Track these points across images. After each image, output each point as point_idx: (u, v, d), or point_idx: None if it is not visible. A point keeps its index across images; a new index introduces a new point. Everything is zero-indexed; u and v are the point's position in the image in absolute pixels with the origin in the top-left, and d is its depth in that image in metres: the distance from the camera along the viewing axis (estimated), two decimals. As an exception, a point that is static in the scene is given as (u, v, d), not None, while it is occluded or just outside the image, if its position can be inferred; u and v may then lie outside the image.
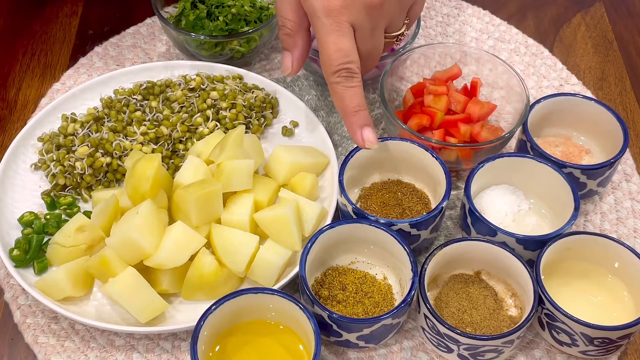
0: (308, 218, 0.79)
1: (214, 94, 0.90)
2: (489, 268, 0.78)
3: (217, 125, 0.89)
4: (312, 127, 0.91)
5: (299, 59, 0.80)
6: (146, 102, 0.91)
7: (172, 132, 0.87)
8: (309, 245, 0.74)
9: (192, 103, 0.90)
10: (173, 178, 0.82)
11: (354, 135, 0.77)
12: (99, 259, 0.74)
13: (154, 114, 0.89)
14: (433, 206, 0.83)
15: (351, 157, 0.81)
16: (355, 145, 0.83)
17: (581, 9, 1.13)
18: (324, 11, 0.73)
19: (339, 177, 0.79)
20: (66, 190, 0.85)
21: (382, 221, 0.76)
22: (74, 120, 0.89)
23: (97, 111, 0.90)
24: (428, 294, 0.73)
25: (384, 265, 0.79)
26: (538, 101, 0.87)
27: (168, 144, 0.87)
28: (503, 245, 0.75)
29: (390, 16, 0.77)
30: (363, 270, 0.78)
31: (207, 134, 0.87)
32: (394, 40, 0.80)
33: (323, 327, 0.71)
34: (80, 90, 0.92)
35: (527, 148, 0.85)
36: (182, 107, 0.90)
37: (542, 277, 0.73)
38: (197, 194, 0.75)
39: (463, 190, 0.81)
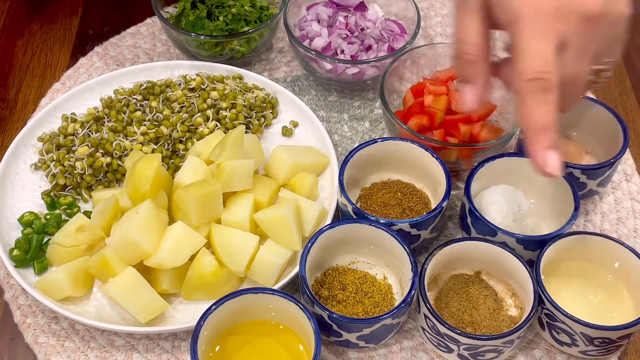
0: (308, 218, 0.79)
1: (214, 94, 0.90)
2: (489, 268, 0.78)
3: (217, 125, 0.89)
4: (312, 127, 0.91)
5: (482, 93, 0.68)
6: (146, 102, 0.91)
7: (172, 132, 0.87)
8: (309, 245, 0.74)
9: (192, 103, 0.90)
10: (173, 178, 0.82)
11: (534, 155, 0.64)
12: (99, 259, 0.74)
13: (154, 114, 0.89)
14: (433, 206, 0.83)
15: (351, 157, 0.81)
16: (356, 145, 0.83)
17: (581, 9, 1.13)
18: (533, 15, 0.62)
19: (339, 177, 0.79)
20: (66, 190, 0.85)
21: (382, 221, 0.76)
22: (74, 120, 0.89)
23: (97, 111, 0.90)
24: (428, 294, 0.73)
25: (384, 265, 0.79)
26: (538, 101, 0.87)
27: (168, 144, 0.87)
28: (503, 245, 0.75)
29: (602, 40, 0.65)
30: (363, 270, 0.78)
31: (207, 134, 0.87)
32: (596, 75, 0.68)
33: (323, 327, 0.71)
34: (80, 90, 0.92)
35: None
36: (182, 107, 0.90)
37: (542, 277, 0.73)
38: (197, 194, 0.75)
39: (463, 190, 0.81)
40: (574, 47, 0.64)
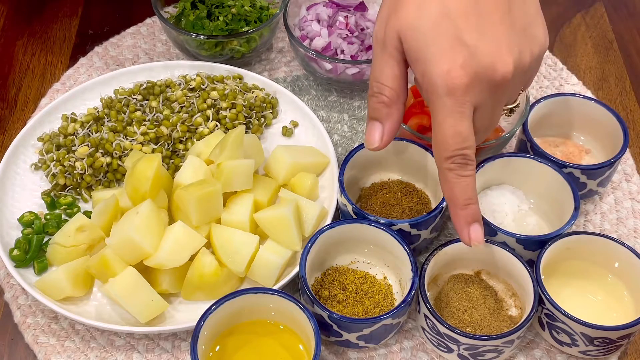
0: (308, 218, 0.79)
1: (214, 94, 0.90)
2: (489, 268, 0.78)
3: (217, 125, 0.89)
4: (312, 127, 0.91)
5: (391, 133, 0.71)
6: (146, 102, 0.91)
7: (172, 132, 0.87)
8: (309, 245, 0.74)
9: (192, 103, 0.90)
10: (173, 178, 0.82)
11: (460, 231, 0.69)
12: (99, 259, 0.74)
13: (154, 114, 0.89)
14: (433, 206, 0.83)
15: (351, 157, 0.81)
16: (356, 145, 0.83)
17: (581, 9, 1.13)
18: (447, 89, 0.63)
19: (339, 177, 0.79)
20: (66, 190, 0.85)
21: (382, 221, 0.76)
22: (74, 120, 0.89)
23: (97, 111, 0.90)
24: (428, 294, 0.73)
25: (384, 265, 0.79)
26: (538, 101, 0.87)
27: (168, 144, 0.87)
28: (503, 245, 0.75)
29: (513, 92, 0.68)
30: (363, 270, 0.78)
31: (207, 134, 0.87)
32: (507, 112, 0.71)
33: (323, 327, 0.71)
34: (80, 90, 0.92)
35: (527, 148, 0.85)
36: (182, 107, 0.90)
37: (542, 277, 0.73)
38: (197, 194, 0.75)
39: (463, 190, 0.81)
40: (486, 109, 0.66)
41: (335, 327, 0.71)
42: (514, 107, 0.71)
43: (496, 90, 0.65)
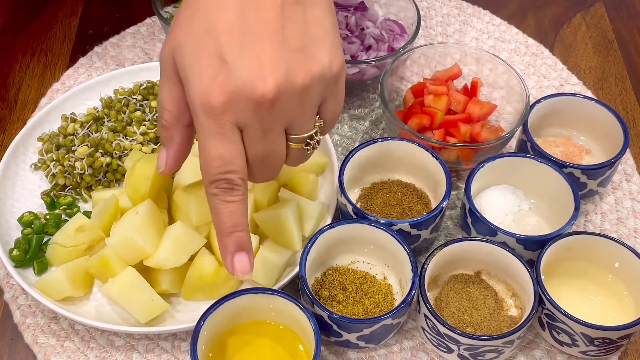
0: (308, 218, 0.79)
1: (214, 94, 0.90)
2: (489, 268, 0.78)
3: (217, 125, 0.88)
4: (312, 127, 0.91)
5: (175, 157, 0.67)
6: (146, 102, 0.91)
7: (172, 132, 0.87)
8: (309, 245, 0.74)
9: (192, 103, 0.90)
10: (173, 178, 0.82)
11: (224, 259, 0.65)
12: (99, 259, 0.74)
13: (154, 114, 0.89)
14: (433, 206, 0.83)
15: (351, 157, 0.81)
16: (356, 145, 0.83)
17: (581, 9, 1.13)
18: (203, 109, 0.59)
19: (339, 177, 0.79)
20: (66, 190, 0.85)
21: (382, 221, 0.76)
22: (74, 120, 0.89)
23: (97, 111, 0.90)
24: (428, 294, 0.73)
25: (384, 265, 0.79)
26: (538, 101, 0.87)
27: (168, 144, 0.87)
28: (503, 245, 0.75)
29: (289, 116, 0.62)
30: (363, 270, 0.78)
31: (207, 134, 0.87)
32: (305, 144, 0.66)
33: (323, 327, 0.71)
34: (80, 90, 0.92)
35: (527, 148, 0.85)
36: (182, 107, 0.90)
37: (542, 277, 0.73)
38: (197, 194, 0.75)
39: (463, 190, 0.81)
40: (253, 130, 0.61)
41: (335, 327, 0.71)
42: (308, 136, 0.65)
43: (259, 110, 0.60)
